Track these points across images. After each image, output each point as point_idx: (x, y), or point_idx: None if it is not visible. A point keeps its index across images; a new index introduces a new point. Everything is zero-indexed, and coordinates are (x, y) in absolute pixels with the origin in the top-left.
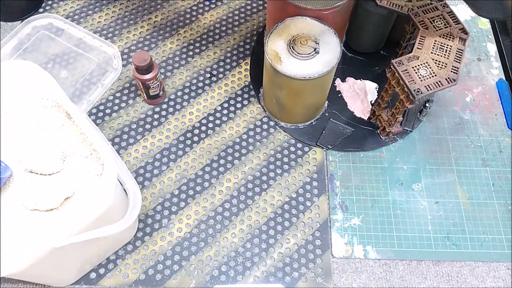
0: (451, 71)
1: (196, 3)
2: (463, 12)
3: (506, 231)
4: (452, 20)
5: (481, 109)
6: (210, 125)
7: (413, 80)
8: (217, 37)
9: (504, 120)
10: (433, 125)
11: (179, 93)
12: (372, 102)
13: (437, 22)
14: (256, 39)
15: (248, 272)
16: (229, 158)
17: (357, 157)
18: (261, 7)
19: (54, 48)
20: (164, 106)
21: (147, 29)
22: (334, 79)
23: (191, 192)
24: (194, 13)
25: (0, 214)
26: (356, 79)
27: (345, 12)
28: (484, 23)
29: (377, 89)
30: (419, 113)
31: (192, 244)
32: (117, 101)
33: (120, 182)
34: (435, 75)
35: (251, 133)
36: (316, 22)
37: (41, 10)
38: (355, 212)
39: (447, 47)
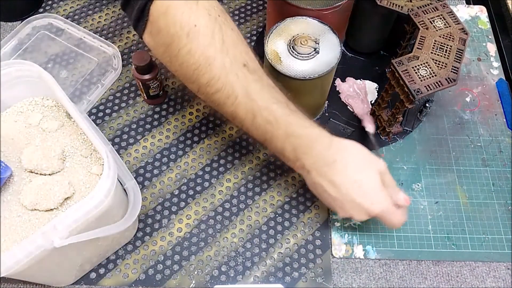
0: (451, 71)
1: None
2: (463, 12)
3: (506, 231)
4: (452, 20)
5: (481, 109)
6: (210, 125)
7: (413, 80)
8: None
9: (504, 120)
10: (433, 125)
11: (179, 93)
12: (372, 102)
13: (437, 22)
14: (256, 39)
15: (248, 272)
16: (229, 158)
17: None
18: (261, 7)
19: (54, 48)
20: (164, 106)
21: None
22: (334, 79)
23: (191, 192)
24: None
25: (0, 214)
26: (356, 79)
27: (345, 12)
28: (484, 23)
29: (377, 89)
30: (419, 113)
31: (192, 244)
32: (117, 101)
33: (120, 182)
34: (435, 75)
35: None
36: (316, 22)
37: (41, 10)
38: None
39: (447, 47)
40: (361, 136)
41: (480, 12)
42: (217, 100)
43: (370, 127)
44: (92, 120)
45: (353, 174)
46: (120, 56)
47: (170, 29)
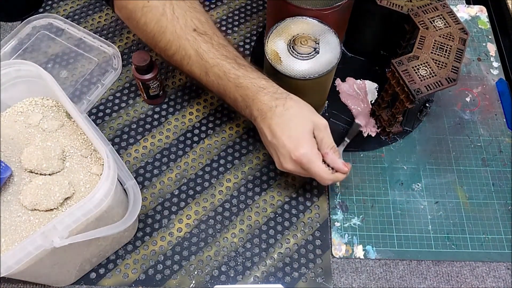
0: (451, 71)
1: None
2: (463, 12)
3: (506, 231)
4: (452, 20)
5: (481, 109)
6: (210, 125)
7: (413, 80)
8: None
9: (504, 120)
10: (433, 125)
11: (179, 93)
12: (372, 102)
13: (437, 22)
14: (256, 39)
15: (248, 272)
16: (229, 158)
17: (357, 157)
18: (261, 7)
19: (54, 48)
20: (164, 106)
21: None
22: (334, 79)
23: (191, 192)
24: None
25: (0, 214)
26: (356, 79)
27: (345, 12)
28: (484, 23)
29: (377, 89)
30: (419, 113)
31: (192, 244)
32: (117, 101)
33: (120, 182)
34: (435, 75)
35: (251, 133)
36: (316, 22)
37: (41, 10)
38: (355, 212)
39: (447, 47)
40: (361, 136)
41: (480, 12)
42: (175, 61)
43: (362, 121)
44: (92, 120)
45: (288, 119)
46: (120, 56)
47: (128, 4)
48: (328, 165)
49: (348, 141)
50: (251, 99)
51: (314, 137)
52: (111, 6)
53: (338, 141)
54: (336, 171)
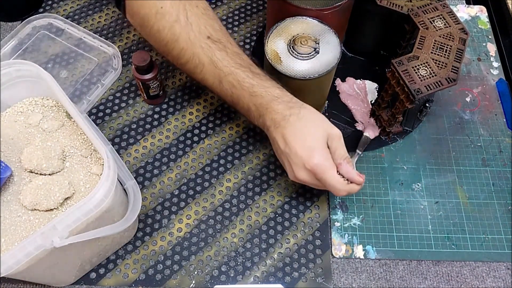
0: (451, 71)
1: None
2: (463, 12)
3: (506, 231)
4: (452, 20)
5: (481, 109)
6: (210, 125)
7: (413, 80)
8: None
9: (504, 120)
10: (433, 125)
11: (179, 93)
12: (372, 102)
13: (437, 22)
14: (256, 39)
15: (248, 272)
16: (229, 158)
17: (357, 157)
18: (261, 7)
19: (54, 48)
20: (164, 106)
21: None
22: (334, 79)
23: (191, 192)
24: None
25: (0, 214)
26: (356, 79)
27: (345, 12)
28: (484, 23)
29: (377, 89)
30: (419, 113)
31: (192, 244)
32: (117, 101)
33: (120, 182)
34: (435, 75)
35: (251, 133)
36: (316, 22)
37: (41, 10)
38: (355, 212)
39: (447, 47)
40: (361, 136)
41: (480, 12)
42: (188, 69)
43: (371, 133)
44: (92, 120)
45: (301, 128)
46: (120, 56)
47: (141, 10)
48: (343, 176)
49: (360, 153)
50: (265, 108)
51: (328, 147)
52: (122, 12)
53: None
54: (351, 182)
